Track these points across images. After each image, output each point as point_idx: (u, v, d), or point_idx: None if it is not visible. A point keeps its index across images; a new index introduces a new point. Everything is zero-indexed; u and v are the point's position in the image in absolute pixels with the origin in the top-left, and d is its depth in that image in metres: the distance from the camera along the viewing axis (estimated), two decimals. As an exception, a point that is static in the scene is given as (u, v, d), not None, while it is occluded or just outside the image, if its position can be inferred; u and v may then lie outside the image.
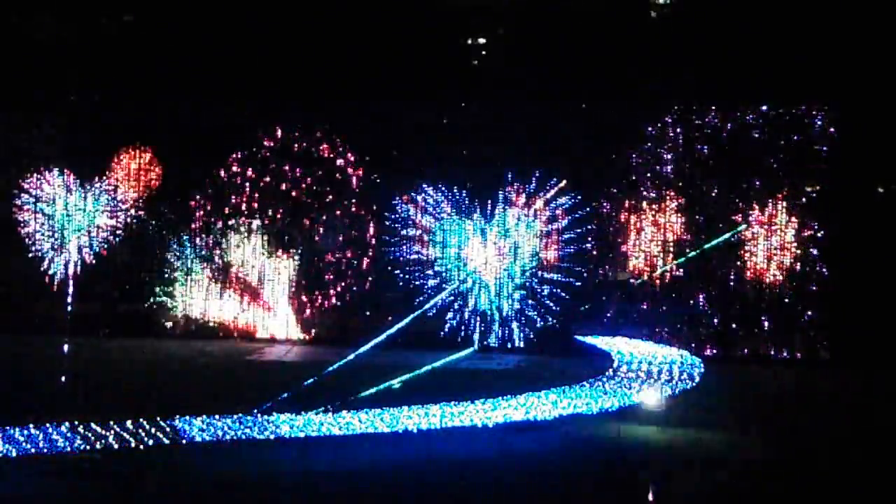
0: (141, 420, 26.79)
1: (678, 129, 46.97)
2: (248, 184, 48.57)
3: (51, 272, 47.32)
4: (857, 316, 43.75)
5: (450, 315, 47.09)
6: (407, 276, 47.64)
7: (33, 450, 25.14)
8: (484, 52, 49.53)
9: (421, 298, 47.29)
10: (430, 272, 47.43)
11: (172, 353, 44.57)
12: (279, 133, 48.52)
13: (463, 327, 46.90)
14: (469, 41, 49.62)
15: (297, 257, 48.49)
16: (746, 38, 45.18)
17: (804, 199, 45.78)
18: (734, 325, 46.13)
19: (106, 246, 48.04)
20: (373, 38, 47.38)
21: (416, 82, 47.20)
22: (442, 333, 46.92)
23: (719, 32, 45.30)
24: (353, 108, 47.36)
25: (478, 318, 46.95)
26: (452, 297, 47.03)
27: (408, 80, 47.08)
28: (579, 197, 46.76)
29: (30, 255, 47.51)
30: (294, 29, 47.59)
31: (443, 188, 47.10)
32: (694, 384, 37.94)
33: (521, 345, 46.64)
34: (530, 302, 46.86)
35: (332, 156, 48.33)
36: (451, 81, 48.00)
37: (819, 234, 45.44)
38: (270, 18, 47.62)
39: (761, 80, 44.96)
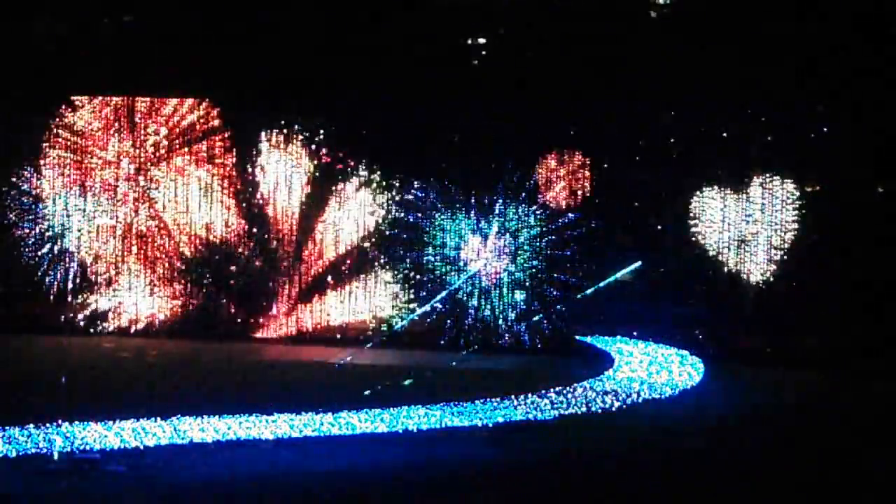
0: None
1: (677, 127, 47.00)
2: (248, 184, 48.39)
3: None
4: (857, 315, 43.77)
5: (448, 315, 46.98)
6: (404, 275, 47.53)
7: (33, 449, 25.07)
8: (484, 52, 49.33)
9: (419, 298, 47.23)
10: (427, 271, 47.30)
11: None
12: (277, 132, 48.20)
13: (461, 327, 46.76)
14: (469, 40, 49.41)
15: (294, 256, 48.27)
16: (745, 36, 45.08)
17: (804, 199, 45.69)
18: (734, 326, 46.09)
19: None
20: (370, 35, 47.11)
21: (416, 80, 47.03)
22: (440, 333, 46.84)
23: (719, 31, 45.19)
24: (352, 106, 47.23)
25: (476, 318, 46.82)
26: (451, 297, 46.92)
27: (407, 77, 46.91)
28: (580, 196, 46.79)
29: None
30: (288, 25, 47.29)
31: (441, 186, 47.00)
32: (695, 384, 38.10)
33: (521, 345, 46.48)
34: (530, 302, 46.74)
35: (335, 155, 47.99)
36: (451, 79, 47.73)
37: (819, 233, 45.40)
38: (266, 14, 47.29)
39: (760, 79, 44.92)
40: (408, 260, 47.33)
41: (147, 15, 48.27)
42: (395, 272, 47.49)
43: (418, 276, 47.16)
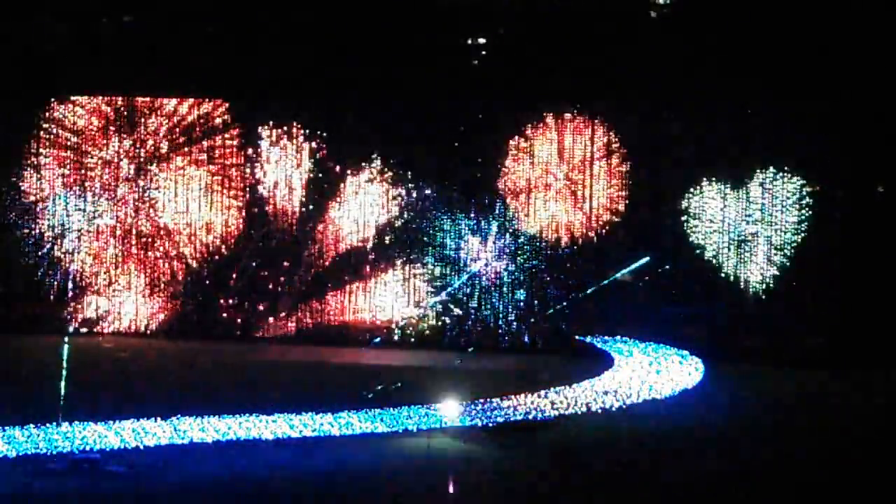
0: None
1: (677, 126, 46.95)
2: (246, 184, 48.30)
3: None
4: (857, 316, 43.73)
5: (447, 314, 46.96)
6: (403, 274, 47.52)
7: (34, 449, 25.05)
8: (484, 52, 49.18)
9: (419, 297, 47.21)
10: (427, 271, 47.27)
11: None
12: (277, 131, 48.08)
13: (461, 327, 46.75)
14: (469, 41, 49.25)
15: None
16: (745, 35, 44.97)
17: (805, 199, 45.70)
18: (734, 326, 46.07)
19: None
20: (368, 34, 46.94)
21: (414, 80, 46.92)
22: (439, 333, 46.84)
23: (720, 29, 45.08)
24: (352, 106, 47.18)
25: (476, 318, 46.81)
26: (451, 296, 46.90)
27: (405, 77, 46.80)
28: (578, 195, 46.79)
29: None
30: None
31: (441, 186, 47.00)
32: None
33: (521, 345, 46.48)
34: (530, 301, 46.75)
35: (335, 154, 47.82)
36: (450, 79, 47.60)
37: (820, 233, 45.42)
38: (265, 12, 47.09)
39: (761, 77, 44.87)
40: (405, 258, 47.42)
41: (153, 13, 47.98)
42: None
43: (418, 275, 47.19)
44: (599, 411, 32.53)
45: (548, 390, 33.98)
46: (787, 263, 45.70)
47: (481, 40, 48.71)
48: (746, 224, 46.03)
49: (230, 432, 27.09)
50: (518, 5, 47.80)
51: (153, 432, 26.53)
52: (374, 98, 46.55)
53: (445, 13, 47.32)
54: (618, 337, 45.68)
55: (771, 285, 45.84)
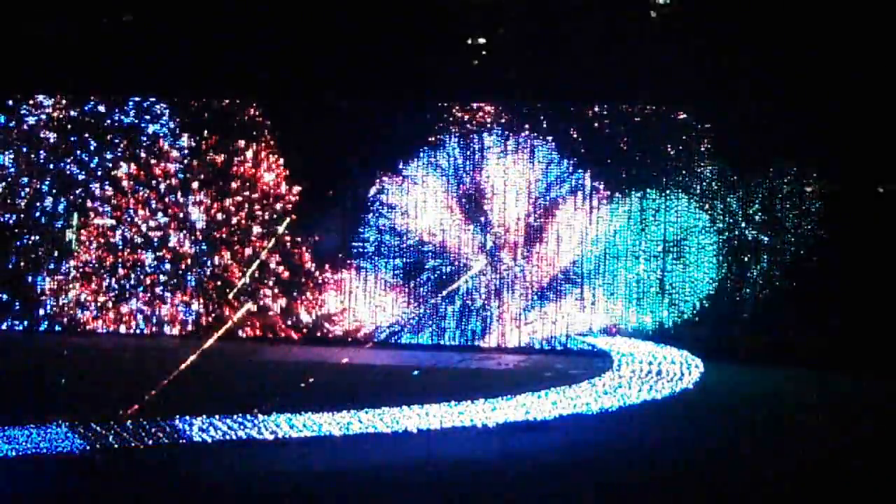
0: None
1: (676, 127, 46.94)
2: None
3: None
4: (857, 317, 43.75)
5: (447, 313, 47.03)
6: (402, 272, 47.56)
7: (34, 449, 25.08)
8: (485, 52, 49.09)
9: (416, 295, 47.27)
10: (426, 269, 47.33)
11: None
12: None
13: (460, 326, 46.81)
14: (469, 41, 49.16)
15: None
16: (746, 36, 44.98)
17: (806, 199, 45.77)
18: (734, 326, 46.10)
19: None
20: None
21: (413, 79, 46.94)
22: (440, 332, 46.92)
23: (721, 29, 45.07)
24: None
25: (477, 317, 46.86)
26: (450, 295, 46.94)
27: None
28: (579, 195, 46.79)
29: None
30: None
31: (440, 182, 47.05)
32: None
33: (521, 345, 46.57)
34: (532, 300, 46.82)
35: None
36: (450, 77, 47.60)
37: (820, 233, 45.52)
38: (263, 13, 47.05)
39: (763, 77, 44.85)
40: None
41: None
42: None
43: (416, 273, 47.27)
44: (598, 412, 32.54)
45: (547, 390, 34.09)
46: (788, 263, 45.77)
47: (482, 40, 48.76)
48: (746, 223, 46.08)
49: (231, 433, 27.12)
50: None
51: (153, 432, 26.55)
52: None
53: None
54: (618, 337, 45.72)
55: (772, 285, 45.90)
